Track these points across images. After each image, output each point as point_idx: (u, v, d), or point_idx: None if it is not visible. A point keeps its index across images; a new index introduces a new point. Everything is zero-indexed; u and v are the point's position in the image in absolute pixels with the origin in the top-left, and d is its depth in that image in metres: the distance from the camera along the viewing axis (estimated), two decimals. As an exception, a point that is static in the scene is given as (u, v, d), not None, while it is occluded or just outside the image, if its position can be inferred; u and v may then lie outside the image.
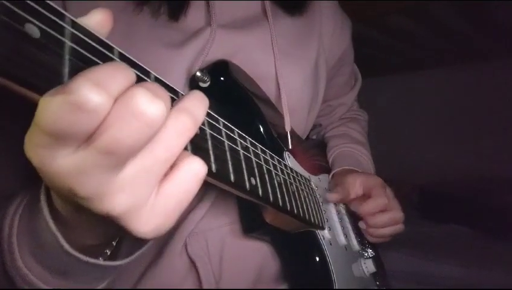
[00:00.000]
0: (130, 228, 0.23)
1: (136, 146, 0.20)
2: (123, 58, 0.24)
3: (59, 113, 0.18)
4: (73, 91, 0.18)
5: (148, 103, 0.19)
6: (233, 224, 0.54)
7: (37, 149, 0.20)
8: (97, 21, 0.23)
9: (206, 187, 0.52)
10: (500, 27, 1.86)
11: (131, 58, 0.24)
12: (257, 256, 0.56)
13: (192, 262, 0.51)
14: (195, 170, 0.24)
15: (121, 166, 0.21)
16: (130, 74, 0.20)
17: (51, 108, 0.18)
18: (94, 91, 0.18)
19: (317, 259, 0.54)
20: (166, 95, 0.21)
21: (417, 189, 2.26)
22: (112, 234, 0.36)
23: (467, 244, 1.57)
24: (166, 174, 0.23)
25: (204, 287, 0.51)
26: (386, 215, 0.60)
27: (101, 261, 0.34)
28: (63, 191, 0.22)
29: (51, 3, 0.20)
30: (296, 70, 0.62)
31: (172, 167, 0.23)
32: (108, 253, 0.37)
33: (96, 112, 0.18)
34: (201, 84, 0.50)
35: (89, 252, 0.33)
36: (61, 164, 0.20)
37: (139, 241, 0.38)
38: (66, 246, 0.31)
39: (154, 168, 0.22)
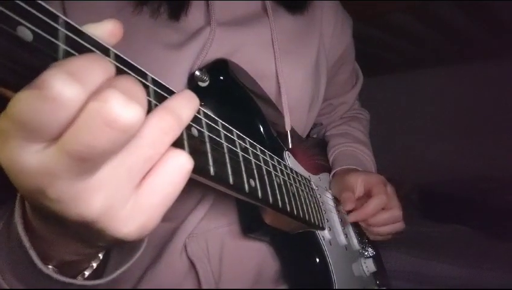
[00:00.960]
0: (110, 230, 0.21)
1: (110, 152, 0.19)
2: (119, 59, 0.23)
3: (29, 103, 0.17)
4: (46, 82, 0.17)
5: (123, 108, 0.18)
6: (232, 225, 0.53)
7: (5, 143, 0.19)
8: (107, 31, 0.22)
9: (205, 188, 0.52)
10: (501, 26, 1.86)
11: (128, 60, 0.24)
12: (256, 257, 0.56)
13: (192, 263, 0.51)
14: (180, 164, 0.22)
15: (96, 169, 0.20)
16: (108, 66, 0.19)
17: (22, 98, 0.17)
18: (67, 83, 0.17)
19: (317, 259, 0.53)
20: (143, 93, 0.20)
21: (417, 189, 2.26)
22: (91, 250, 0.32)
23: (467, 244, 1.57)
24: (150, 170, 0.22)
25: (204, 288, 0.51)
26: (385, 214, 0.60)
27: (76, 281, 0.32)
28: (31, 193, 0.20)
29: (43, 3, 0.19)
30: (297, 69, 0.62)
31: (157, 162, 0.22)
32: (95, 266, 0.35)
33: (68, 107, 0.17)
34: (201, 84, 0.49)
35: (73, 267, 0.32)
36: (30, 160, 0.19)
37: (125, 254, 0.35)
38: (40, 265, 0.29)
39: (136, 167, 0.21)
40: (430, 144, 2.57)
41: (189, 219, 0.52)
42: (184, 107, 0.23)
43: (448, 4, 1.64)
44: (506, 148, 2.20)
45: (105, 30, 0.22)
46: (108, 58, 0.22)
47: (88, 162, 0.19)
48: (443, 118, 2.57)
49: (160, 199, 0.22)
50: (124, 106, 0.18)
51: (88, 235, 0.23)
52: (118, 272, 0.34)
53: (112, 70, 0.19)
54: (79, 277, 0.34)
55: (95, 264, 0.35)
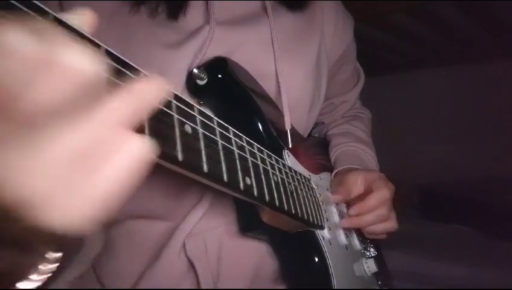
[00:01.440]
0: (44, 217, 0.18)
1: (50, 104, 0.17)
2: (110, 55, 0.23)
3: None
4: None
5: (67, 50, 0.17)
6: (231, 224, 0.53)
7: None
8: (83, 21, 0.22)
9: (203, 188, 0.52)
10: (502, 26, 1.85)
11: (118, 54, 0.23)
12: (255, 256, 0.55)
13: (191, 263, 0.51)
14: (133, 151, 0.20)
15: (40, 137, 0.17)
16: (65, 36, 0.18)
17: None
18: (19, 34, 0.16)
19: (316, 259, 0.53)
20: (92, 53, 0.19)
21: (417, 189, 2.26)
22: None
23: (467, 244, 1.57)
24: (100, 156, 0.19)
25: (203, 288, 0.51)
26: (372, 214, 0.59)
27: None
28: None
29: (37, 2, 0.19)
30: (297, 67, 0.62)
31: (110, 147, 0.20)
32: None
33: (12, 54, 0.16)
34: (199, 82, 0.49)
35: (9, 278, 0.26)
36: None
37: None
38: None
39: (84, 147, 0.18)
40: (430, 144, 2.56)
41: (188, 219, 0.52)
42: (147, 91, 0.21)
43: (448, 4, 1.64)
44: (507, 149, 2.19)
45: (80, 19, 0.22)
46: (99, 54, 0.22)
47: (24, 115, 0.17)
48: (443, 118, 2.57)
49: (108, 187, 0.19)
50: (69, 47, 0.17)
51: (12, 228, 0.19)
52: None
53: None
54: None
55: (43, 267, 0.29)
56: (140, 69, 0.25)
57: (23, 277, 0.26)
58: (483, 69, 2.39)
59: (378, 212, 0.59)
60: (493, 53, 2.27)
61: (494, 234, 1.62)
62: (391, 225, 0.62)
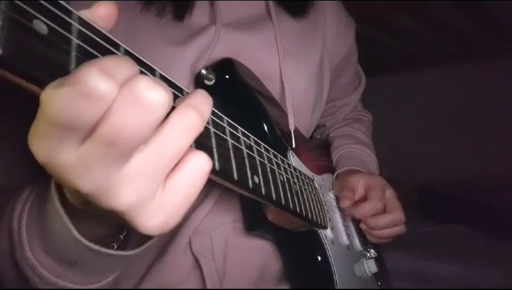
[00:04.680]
0: (136, 223, 0.23)
1: (138, 135, 0.20)
2: (129, 55, 0.24)
3: (67, 101, 0.18)
4: (81, 79, 0.18)
5: (150, 89, 0.19)
6: (237, 222, 0.54)
7: (42, 142, 0.20)
8: (100, 15, 0.23)
9: (210, 185, 0.52)
10: (501, 26, 1.86)
11: (137, 55, 0.24)
12: (260, 255, 0.56)
13: (196, 260, 0.51)
14: (200, 164, 0.24)
15: (125, 159, 0.21)
16: (134, 66, 0.20)
17: (59, 97, 0.18)
18: (102, 78, 0.18)
19: (319, 258, 0.53)
20: (167, 87, 0.21)
21: (417, 189, 2.26)
22: (121, 225, 0.35)
23: (467, 244, 1.57)
24: (172, 170, 0.23)
25: (208, 285, 0.51)
26: (386, 218, 0.60)
27: (111, 251, 0.34)
28: (67, 185, 0.21)
29: (59, 1, 0.20)
30: (301, 70, 0.62)
31: (178, 162, 0.23)
32: (115, 246, 0.37)
33: (104, 100, 0.18)
34: (207, 82, 0.50)
35: (99, 244, 0.33)
36: (66, 157, 0.20)
37: (146, 236, 0.37)
38: (77, 234, 0.31)
39: (160, 163, 0.22)
40: (430, 144, 2.57)
41: (194, 216, 0.52)
42: (204, 104, 0.23)
43: (447, 4, 1.64)
44: (506, 148, 2.20)
45: (98, 14, 0.23)
46: (118, 53, 0.23)
47: (118, 147, 0.20)
48: (443, 118, 2.58)
49: (181, 199, 0.23)
50: (151, 86, 0.20)
51: (119, 221, 0.24)
52: (145, 245, 0.37)
53: (136, 68, 0.21)
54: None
55: (115, 245, 0.37)
56: (158, 70, 0.25)
57: (111, 242, 0.36)
58: (482, 69, 2.40)
59: (392, 217, 0.60)
60: (493, 53, 2.27)
61: (494, 234, 1.62)
62: (401, 229, 0.63)
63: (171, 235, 0.53)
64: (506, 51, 2.17)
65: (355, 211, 0.60)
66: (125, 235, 0.38)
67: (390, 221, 0.61)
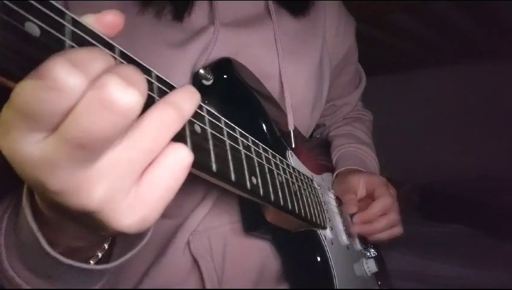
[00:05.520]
0: (111, 221, 0.21)
1: (110, 138, 0.19)
2: (125, 56, 0.23)
3: (33, 93, 0.17)
4: (48, 71, 0.17)
5: (121, 92, 0.18)
6: (235, 223, 0.54)
7: (7, 134, 0.19)
8: (107, 22, 0.22)
9: (208, 186, 0.52)
10: (502, 26, 1.86)
11: (133, 57, 0.24)
12: (259, 255, 0.56)
13: (195, 260, 0.51)
14: (181, 156, 0.23)
15: (95, 158, 0.20)
16: (108, 57, 0.19)
17: (25, 88, 0.17)
18: (70, 72, 0.17)
19: (318, 258, 0.53)
20: (142, 80, 0.20)
21: (417, 189, 2.26)
22: (97, 236, 0.32)
23: (467, 244, 1.57)
24: (150, 164, 0.22)
25: (207, 285, 0.51)
26: (384, 220, 0.60)
27: (83, 265, 0.31)
28: (34, 183, 0.20)
29: (52, 1, 0.20)
30: (300, 69, 0.62)
31: (157, 155, 0.22)
32: (100, 256, 0.35)
33: (70, 94, 0.18)
34: (205, 82, 0.49)
35: (78, 255, 0.32)
36: (32, 151, 0.19)
37: (131, 243, 0.35)
38: (47, 247, 0.29)
39: (136, 159, 0.21)
40: (430, 144, 2.57)
41: (193, 216, 0.52)
42: (185, 101, 0.23)
43: (448, 4, 1.64)
44: (506, 149, 2.20)
45: (104, 21, 0.22)
46: (114, 55, 0.23)
47: (87, 149, 0.19)
48: (443, 118, 2.57)
49: (160, 192, 0.22)
50: (121, 89, 0.18)
51: (91, 224, 0.22)
52: (123, 258, 0.34)
53: (111, 60, 0.20)
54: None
55: (100, 254, 0.35)
56: (154, 71, 0.25)
57: (91, 255, 0.34)
58: (483, 69, 2.39)
59: (387, 219, 0.60)
60: (493, 53, 2.27)
61: (494, 234, 1.62)
62: (398, 230, 0.62)
63: (169, 236, 0.53)
64: (507, 51, 2.17)
65: (367, 212, 0.59)
66: (110, 245, 0.36)
67: (387, 223, 0.61)
